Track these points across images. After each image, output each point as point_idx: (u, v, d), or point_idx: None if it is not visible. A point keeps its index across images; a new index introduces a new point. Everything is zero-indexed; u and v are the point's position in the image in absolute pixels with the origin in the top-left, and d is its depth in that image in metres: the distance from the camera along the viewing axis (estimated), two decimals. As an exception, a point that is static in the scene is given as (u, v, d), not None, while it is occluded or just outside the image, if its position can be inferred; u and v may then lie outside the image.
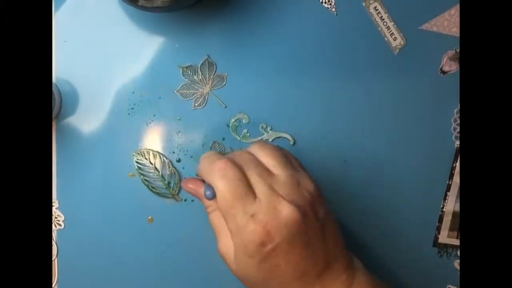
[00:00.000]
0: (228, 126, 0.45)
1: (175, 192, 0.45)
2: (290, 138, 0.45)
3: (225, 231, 0.32)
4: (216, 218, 0.34)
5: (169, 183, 0.45)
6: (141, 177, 0.45)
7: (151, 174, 0.45)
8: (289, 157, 0.35)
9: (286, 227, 0.30)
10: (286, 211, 0.30)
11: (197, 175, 0.36)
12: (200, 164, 0.34)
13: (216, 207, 0.33)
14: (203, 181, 0.35)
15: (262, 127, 0.45)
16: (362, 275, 0.34)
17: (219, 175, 0.31)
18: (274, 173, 0.32)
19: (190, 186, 0.36)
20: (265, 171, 0.32)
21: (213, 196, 0.32)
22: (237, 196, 0.30)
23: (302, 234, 0.30)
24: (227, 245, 0.32)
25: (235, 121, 0.45)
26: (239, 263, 0.32)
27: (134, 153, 0.45)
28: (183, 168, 0.45)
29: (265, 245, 0.30)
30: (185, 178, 0.43)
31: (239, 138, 0.45)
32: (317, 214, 0.32)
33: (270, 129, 0.45)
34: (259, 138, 0.45)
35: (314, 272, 0.31)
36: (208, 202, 0.34)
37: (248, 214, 0.30)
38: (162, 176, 0.45)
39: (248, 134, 0.45)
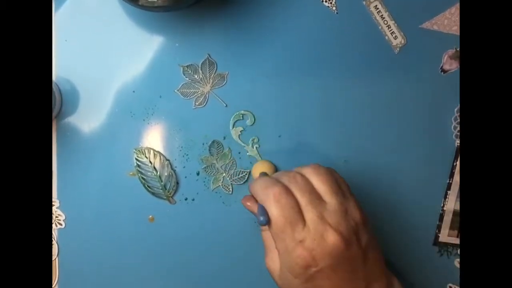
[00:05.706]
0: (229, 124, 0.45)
1: (170, 194, 0.45)
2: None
3: (273, 248, 0.35)
4: (267, 236, 0.36)
5: (165, 185, 0.45)
6: (139, 174, 0.45)
7: (149, 173, 0.45)
8: (340, 182, 0.36)
9: (330, 255, 0.32)
10: (332, 239, 0.32)
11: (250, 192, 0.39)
12: (254, 186, 0.36)
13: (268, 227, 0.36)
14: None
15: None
16: None
17: (273, 201, 0.33)
18: (325, 199, 0.34)
19: (248, 204, 0.38)
20: (317, 199, 0.34)
21: (267, 223, 0.33)
22: (288, 222, 0.33)
23: (345, 261, 0.33)
24: (274, 261, 0.35)
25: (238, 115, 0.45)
26: (284, 278, 0.34)
27: (135, 150, 0.45)
28: (184, 167, 0.45)
29: (309, 268, 0.32)
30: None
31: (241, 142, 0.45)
32: (360, 241, 0.34)
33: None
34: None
35: None
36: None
37: (297, 239, 0.33)
38: (159, 176, 0.45)
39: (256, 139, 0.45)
